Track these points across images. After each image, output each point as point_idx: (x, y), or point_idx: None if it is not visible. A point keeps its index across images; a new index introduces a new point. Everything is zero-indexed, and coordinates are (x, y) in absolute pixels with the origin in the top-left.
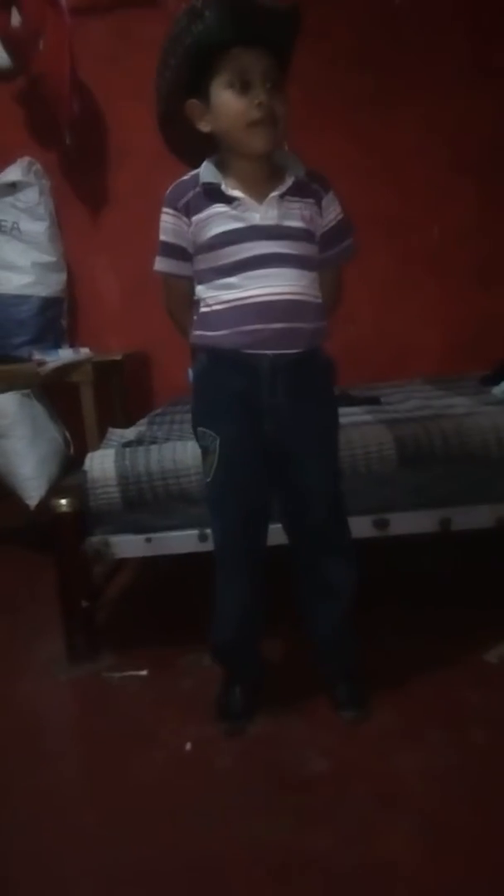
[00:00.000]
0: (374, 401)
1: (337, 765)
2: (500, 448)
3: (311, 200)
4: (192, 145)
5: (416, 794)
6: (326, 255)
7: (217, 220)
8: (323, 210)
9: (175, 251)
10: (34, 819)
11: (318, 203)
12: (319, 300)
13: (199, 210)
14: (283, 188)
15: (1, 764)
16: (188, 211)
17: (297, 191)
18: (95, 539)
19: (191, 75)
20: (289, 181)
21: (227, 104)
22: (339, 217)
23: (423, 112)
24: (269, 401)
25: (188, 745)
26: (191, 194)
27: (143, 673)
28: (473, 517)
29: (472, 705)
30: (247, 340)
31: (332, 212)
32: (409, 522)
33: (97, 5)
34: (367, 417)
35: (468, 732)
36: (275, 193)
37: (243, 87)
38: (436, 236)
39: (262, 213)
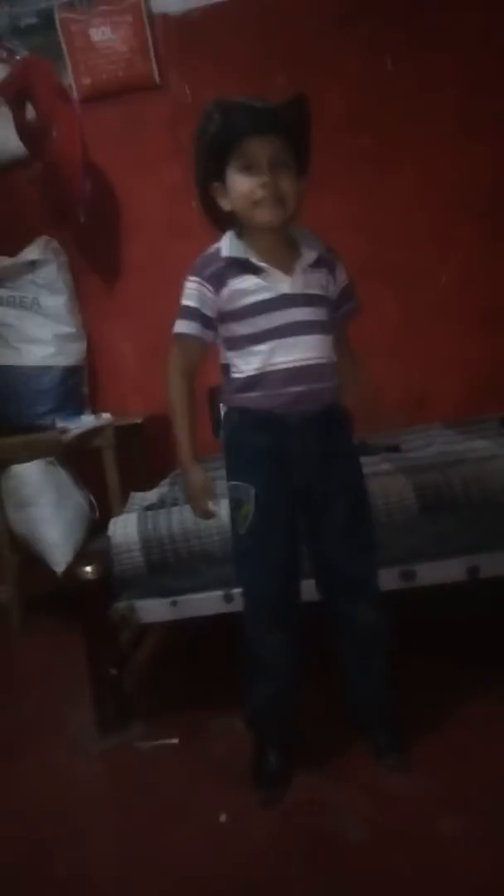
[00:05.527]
0: (394, 448)
1: (378, 832)
2: None
3: (325, 270)
4: (221, 219)
5: (461, 863)
6: (336, 315)
7: (248, 289)
8: (336, 277)
9: (197, 316)
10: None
11: (332, 272)
12: (333, 360)
13: (228, 281)
14: (308, 260)
15: (34, 839)
16: (216, 282)
17: (316, 262)
18: (121, 605)
19: (214, 164)
20: (311, 254)
21: (237, 185)
22: (347, 282)
23: (422, 165)
24: (299, 451)
25: (223, 817)
26: (217, 266)
27: (175, 741)
28: (502, 563)
29: None
30: (276, 402)
31: (343, 277)
32: (437, 572)
33: (105, 93)
34: (386, 466)
35: None
36: (301, 265)
37: (251, 169)
38: (444, 283)
39: (289, 283)
